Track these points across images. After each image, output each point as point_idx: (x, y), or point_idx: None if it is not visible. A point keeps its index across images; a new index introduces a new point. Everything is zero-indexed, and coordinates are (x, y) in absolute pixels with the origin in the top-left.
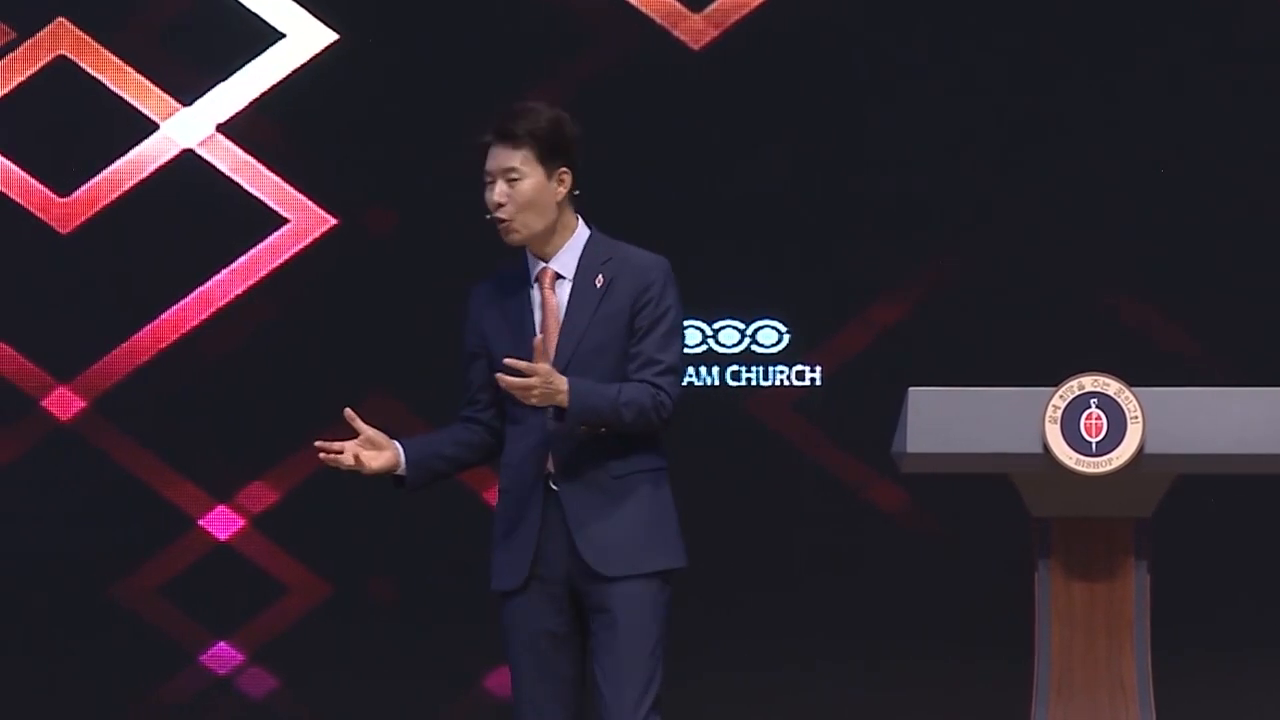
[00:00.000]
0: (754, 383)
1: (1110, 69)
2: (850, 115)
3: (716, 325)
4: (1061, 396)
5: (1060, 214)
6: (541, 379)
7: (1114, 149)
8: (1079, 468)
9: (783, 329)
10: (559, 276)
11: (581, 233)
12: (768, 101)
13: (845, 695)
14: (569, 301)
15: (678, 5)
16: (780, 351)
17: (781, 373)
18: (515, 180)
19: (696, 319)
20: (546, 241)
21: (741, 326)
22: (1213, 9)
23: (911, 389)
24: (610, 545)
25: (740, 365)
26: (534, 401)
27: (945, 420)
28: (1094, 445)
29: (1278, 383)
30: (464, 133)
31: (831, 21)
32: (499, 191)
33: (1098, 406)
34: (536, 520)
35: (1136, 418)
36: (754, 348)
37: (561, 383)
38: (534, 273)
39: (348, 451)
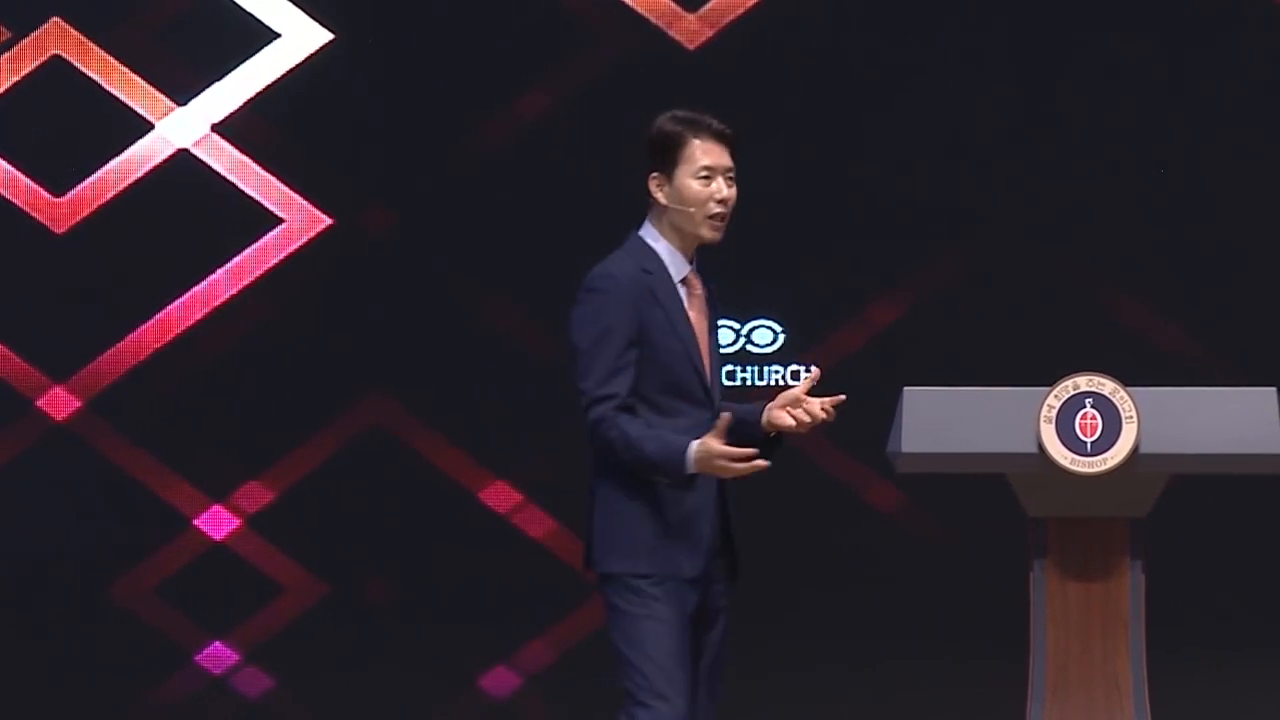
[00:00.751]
0: (749, 382)
1: (1107, 69)
2: (846, 115)
3: None
4: (1057, 396)
5: (1056, 214)
6: (728, 466)
7: (1111, 149)
8: (1074, 467)
9: (778, 329)
10: (698, 279)
11: None
12: (763, 101)
13: (843, 695)
14: (705, 305)
15: (673, 5)
16: (775, 351)
17: (777, 372)
18: (732, 182)
19: None
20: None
21: (737, 326)
22: (1211, 10)
23: (907, 389)
24: (735, 548)
25: (735, 365)
26: (706, 465)
27: (941, 420)
28: (1089, 445)
29: (1273, 382)
30: (461, 133)
31: (826, 21)
32: (726, 189)
33: (1093, 406)
34: (714, 513)
35: (1131, 418)
36: (749, 347)
37: None
38: (679, 272)
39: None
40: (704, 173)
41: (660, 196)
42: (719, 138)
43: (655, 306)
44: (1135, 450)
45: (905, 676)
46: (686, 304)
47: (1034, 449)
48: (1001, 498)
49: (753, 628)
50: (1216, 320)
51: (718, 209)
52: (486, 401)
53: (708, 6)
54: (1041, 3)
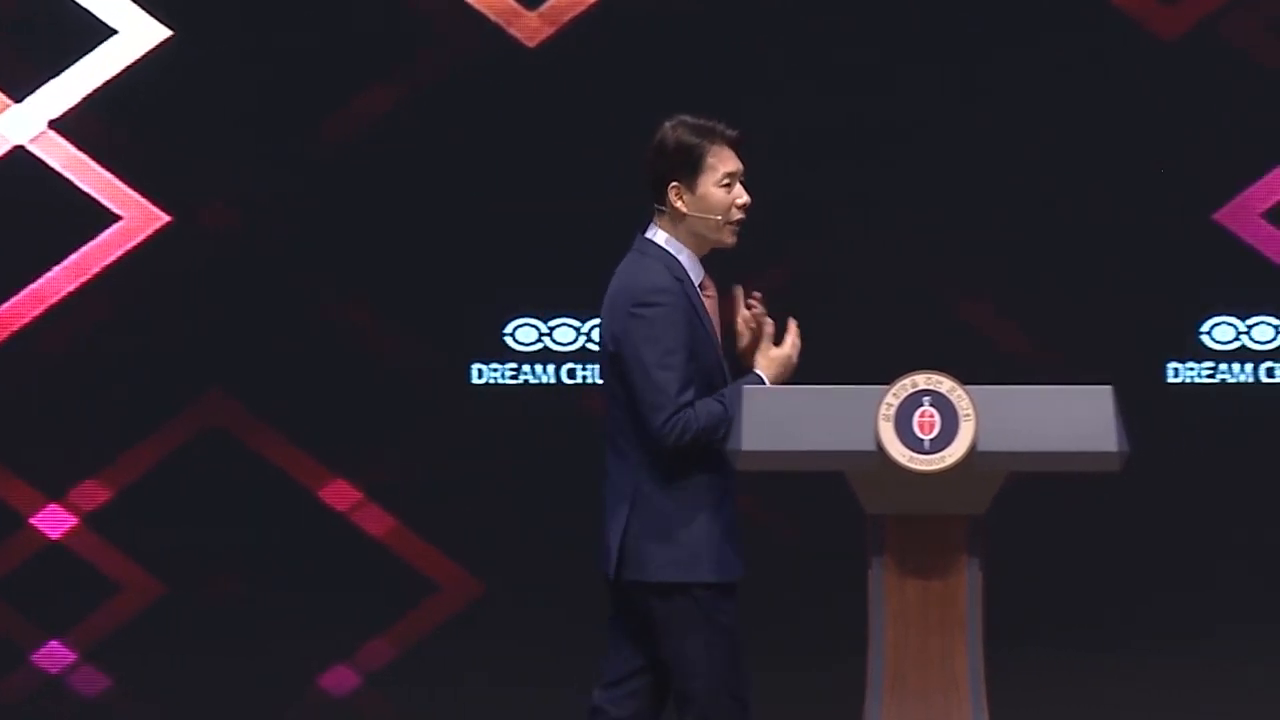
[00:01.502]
0: (590, 380)
1: (949, 70)
2: (685, 113)
3: (552, 323)
4: (895, 395)
5: (898, 215)
6: (791, 357)
7: (949, 151)
8: (912, 465)
9: None
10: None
11: None
12: (603, 99)
13: None
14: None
15: (513, 3)
16: None
17: None
18: (744, 186)
19: (532, 317)
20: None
21: (577, 325)
22: (1045, 10)
23: (746, 387)
24: None
25: (576, 363)
26: (775, 371)
27: (780, 418)
28: (927, 443)
29: (1108, 381)
30: (301, 130)
31: (667, 19)
32: (745, 194)
33: (931, 404)
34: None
35: (969, 416)
36: (590, 345)
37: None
38: (697, 276)
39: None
40: (725, 180)
41: (681, 205)
42: (733, 143)
43: (694, 316)
44: (973, 448)
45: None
46: (707, 307)
47: (872, 447)
48: (843, 495)
49: (586, 628)
50: (1055, 320)
51: (739, 215)
52: (326, 400)
53: (548, 4)
54: (884, 3)
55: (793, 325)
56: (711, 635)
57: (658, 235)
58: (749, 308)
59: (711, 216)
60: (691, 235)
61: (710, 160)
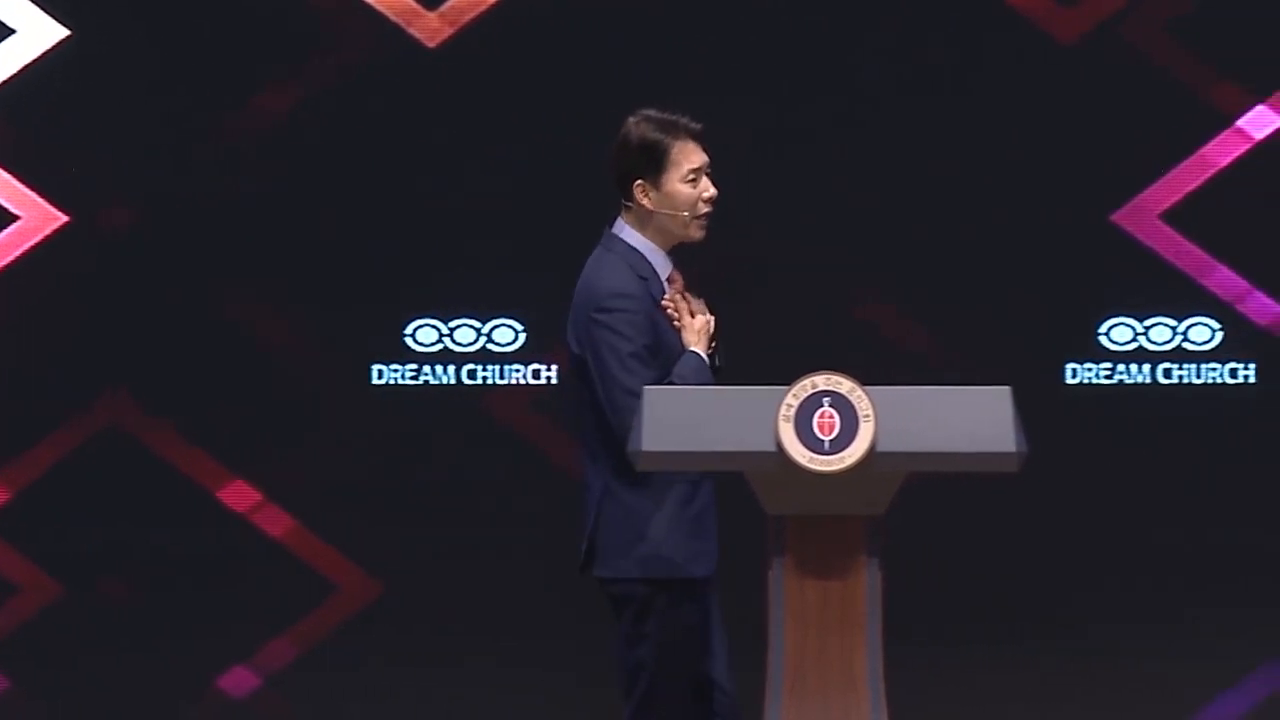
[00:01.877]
0: (490, 381)
1: (850, 77)
2: (586, 114)
3: (453, 324)
4: (795, 395)
5: (800, 216)
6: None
7: (849, 153)
8: (812, 466)
9: (519, 327)
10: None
11: None
12: (503, 99)
13: (548, 689)
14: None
15: (412, 3)
16: (517, 350)
17: (518, 371)
18: (710, 177)
19: (432, 317)
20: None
21: (478, 325)
22: (945, 10)
23: (647, 388)
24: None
25: (476, 364)
26: (704, 341)
27: (681, 419)
28: (827, 444)
29: (1007, 381)
30: (200, 130)
31: (567, 20)
32: (712, 186)
33: (830, 405)
34: (715, 512)
35: (869, 416)
36: (490, 346)
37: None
38: (665, 271)
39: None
40: (691, 176)
41: (646, 202)
42: (696, 137)
43: (658, 314)
44: (872, 449)
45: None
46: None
47: (773, 448)
48: (745, 495)
49: (488, 626)
50: (954, 321)
51: (706, 209)
52: (225, 400)
53: (447, 5)
54: (786, 4)
55: (694, 303)
56: (667, 634)
57: (624, 231)
58: (663, 308)
59: (678, 213)
60: (659, 231)
61: (674, 156)
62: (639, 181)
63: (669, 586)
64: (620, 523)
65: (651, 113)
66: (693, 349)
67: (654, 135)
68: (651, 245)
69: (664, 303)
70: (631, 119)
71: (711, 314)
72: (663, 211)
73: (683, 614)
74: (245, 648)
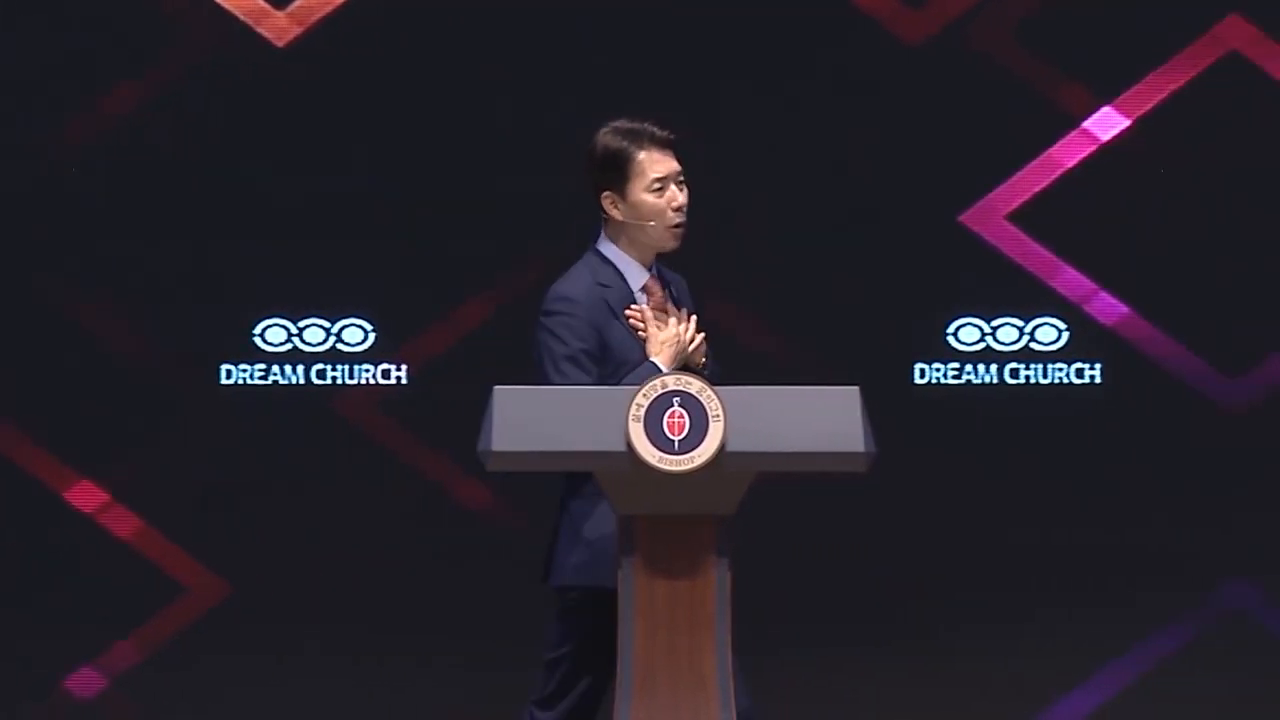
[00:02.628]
0: (340, 381)
1: (695, 77)
2: (437, 114)
3: (302, 324)
4: (645, 395)
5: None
6: (679, 335)
7: (696, 152)
8: (662, 466)
9: (369, 327)
10: (660, 285)
11: None
12: (353, 99)
13: (434, 695)
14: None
15: (261, 3)
16: (366, 350)
17: (367, 371)
18: (683, 185)
19: (282, 317)
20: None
21: (328, 325)
22: (789, 8)
23: (497, 388)
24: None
25: (326, 364)
26: (669, 353)
27: (531, 419)
28: (677, 443)
29: (855, 382)
30: (45, 131)
31: (415, 19)
32: (680, 195)
33: (680, 405)
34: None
35: (718, 416)
36: (340, 346)
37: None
38: (638, 281)
39: None
40: (656, 185)
41: (616, 213)
42: (664, 145)
43: (613, 320)
44: (722, 449)
45: (499, 674)
46: (647, 309)
47: (623, 447)
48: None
49: (348, 622)
50: (804, 321)
51: (676, 218)
52: (72, 401)
53: (296, 4)
54: (628, 5)
55: (684, 316)
56: (582, 639)
57: (602, 242)
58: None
59: (646, 223)
60: (632, 242)
61: (638, 166)
62: (606, 193)
63: (597, 595)
64: (564, 530)
65: (620, 123)
66: (653, 359)
67: (617, 144)
68: (626, 256)
69: (629, 312)
70: (600, 130)
71: (702, 326)
72: (631, 222)
73: (603, 622)
74: (92, 648)
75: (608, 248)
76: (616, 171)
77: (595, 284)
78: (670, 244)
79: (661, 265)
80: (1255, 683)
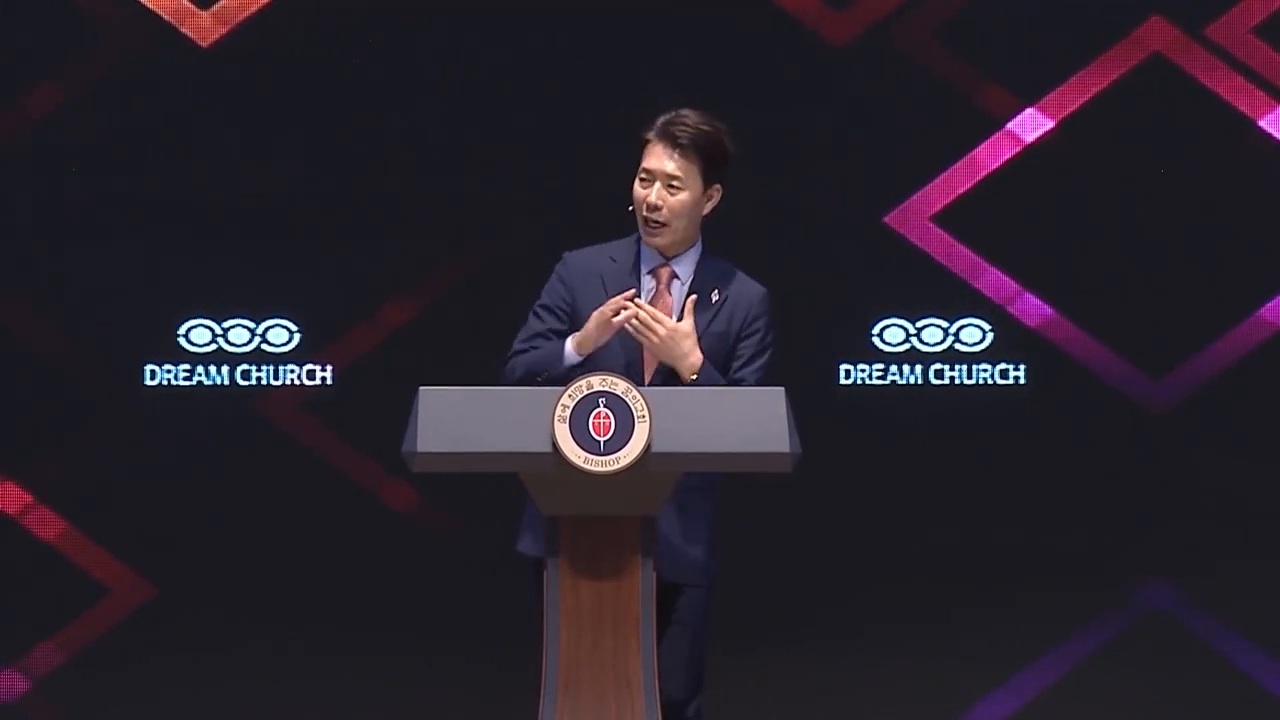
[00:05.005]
0: (264, 382)
1: (614, 82)
2: (361, 114)
3: (226, 324)
4: (570, 396)
5: (573, 221)
6: (671, 332)
7: (618, 152)
8: (587, 466)
9: (294, 328)
10: (675, 277)
11: (699, 245)
12: (277, 99)
13: (351, 693)
14: (681, 307)
15: (185, 2)
16: (291, 350)
17: (292, 372)
18: (676, 189)
19: (205, 318)
20: (676, 244)
21: (252, 325)
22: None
23: (422, 388)
24: None
25: (251, 364)
26: (652, 343)
27: (456, 419)
28: (602, 444)
29: (782, 381)
30: None
31: (341, 20)
32: (656, 194)
33: (606, 406)
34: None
35: (644, 417)
36: (264, 346)
37: (694, 352)
38: (650, 265)
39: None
40: (644, 175)
41: None
42: (671, 142)
43: (597, 292)
44: (647, 449)
45: (421, 675)
46: (645, 299)
47: (548, 448)
48: (518, 494)
49: (269, 628)
50: None
51: (645, 214)
52: None
53: (220, 4)
54: (548, 3)
55: (689, 303)
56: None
57: None
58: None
59: (632, 209)
60: None
61: (643, 152)
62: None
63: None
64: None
65: (676, 111)
66: (568, 340)
67: (646, 128)
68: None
69: (618, 298)
70: None
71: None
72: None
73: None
74: (14, 651)
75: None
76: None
77: (606, 257)
78: (645, 238)
79: (731, 270)
80: (1176, 682)
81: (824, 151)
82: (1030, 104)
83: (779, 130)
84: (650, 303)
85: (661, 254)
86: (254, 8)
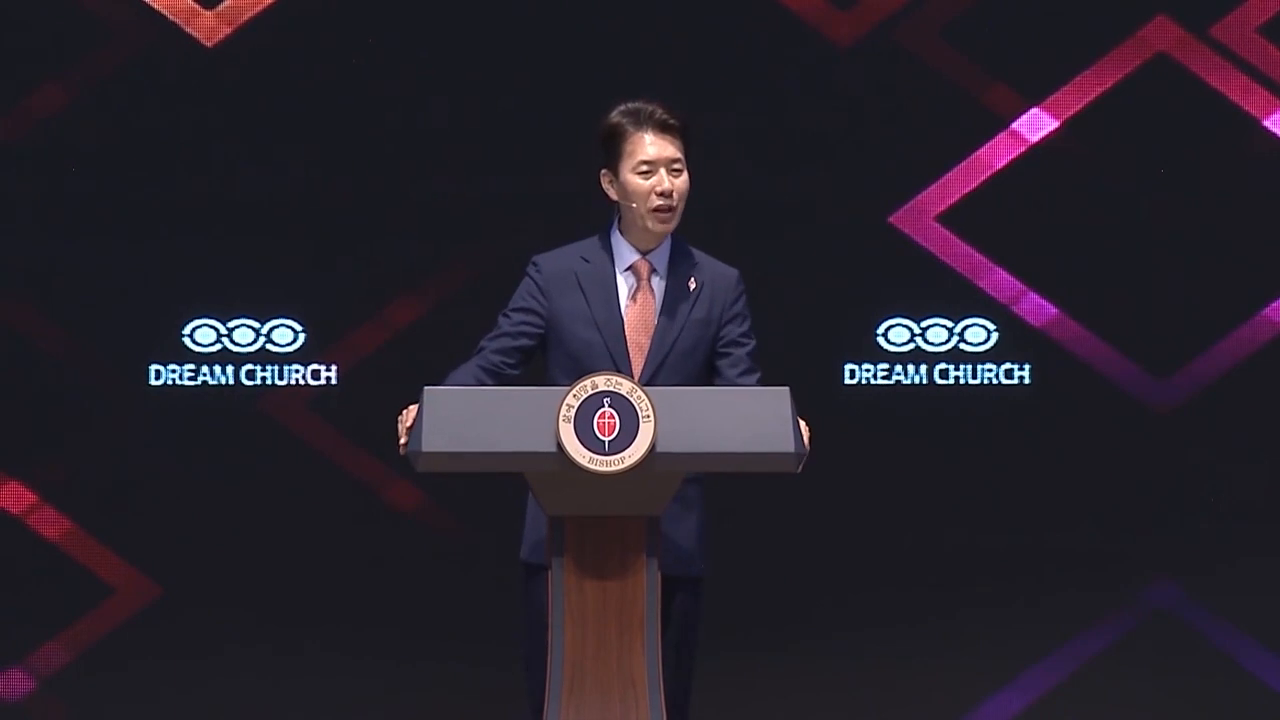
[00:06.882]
0: (269, 381)
1: (620, 77)
2: (366, 115)
3: (231, 324)
4: (575, 396)
5: (575, 218)
6: None
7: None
8: (592, 466)
9: (299, 328)
10: (654, 272)
11: (669, 234)
12: (282, 99)
13: (356, 692)
14: (663, 299)
15: (190, 2)
16: (296, 351)
17: (297, 372)
18: (678, 172)
19: (210, 318)
20: (668, 231)
21: (258, 325)
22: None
23: (427, 388)
24: None
25: (256, 364)
26: None
27: (461, 419)
28: (607, 444)
29: (787, 381)
30: None
31: (346, 20)
32: (668, 181)
33: (610, 405)
34: None
35: (649, 417)
36: (270, 346)
37: None
38: (627, 261)
39: None
40: (644, 167)
41: (611, 192)
42: (662, 128)
43: (574, 293)
44: (652, 449)
45: (425, 676)
46: (626, 295)
47: (553, 448)
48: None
49: (273, 628)
50: None
51: (659, 201)
52: (0, 402)
53: (225, 4)
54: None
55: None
56: (528, 614)
57: (612, 221)
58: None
59: (630, 204)
60: (627, 223)
61: (629, 146)
62: (604, 171)
63: (525, 568)
64: (529, 508)
65: (630, 103)
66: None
67: (617, 123)
68: (621, 237)
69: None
70: (612, 108)
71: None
72: (623, 202)
73: (533, 596)
74: (20, 650)
75: (613, 226)
76: (613, 150)
77: (577, 257)
78: (655, 227)
79: (700, 255)
80: (1181, 682)
81: (829, 151)
82: (1035, 103)
83: (784, 130)
84: (633, 300)
85: (635, 248)
86: (259, 7)
